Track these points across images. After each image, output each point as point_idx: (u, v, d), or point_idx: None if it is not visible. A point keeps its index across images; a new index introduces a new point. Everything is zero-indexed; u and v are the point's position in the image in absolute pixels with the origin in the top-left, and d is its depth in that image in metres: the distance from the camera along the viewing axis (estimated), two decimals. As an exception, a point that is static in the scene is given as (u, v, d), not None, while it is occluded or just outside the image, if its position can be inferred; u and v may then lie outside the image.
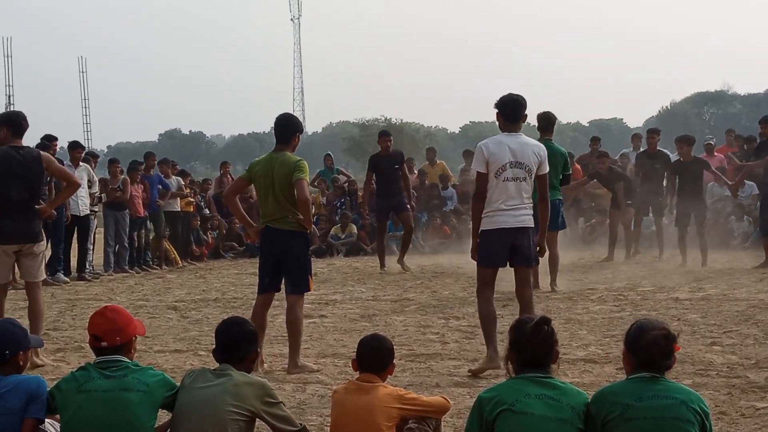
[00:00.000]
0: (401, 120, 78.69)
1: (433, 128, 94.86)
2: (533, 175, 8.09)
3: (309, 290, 8.58)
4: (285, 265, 8.36)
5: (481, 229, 8.15)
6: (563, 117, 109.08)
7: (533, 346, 4.44)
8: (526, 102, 8.24)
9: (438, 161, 22.87)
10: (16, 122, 8.91)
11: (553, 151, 11.83)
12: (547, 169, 8.30)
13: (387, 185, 16.33)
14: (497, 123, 8.29)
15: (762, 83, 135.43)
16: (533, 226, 8.18)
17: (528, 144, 8.14)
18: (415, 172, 22.71)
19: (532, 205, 8.16)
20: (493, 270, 8.20)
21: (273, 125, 8.60)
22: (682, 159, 15.99)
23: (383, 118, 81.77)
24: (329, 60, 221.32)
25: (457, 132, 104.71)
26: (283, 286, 8.48)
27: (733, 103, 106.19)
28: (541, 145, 8.44)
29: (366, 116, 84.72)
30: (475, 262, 8.26)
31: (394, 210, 16.51)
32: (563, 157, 12.49)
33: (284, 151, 8.33)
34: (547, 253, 9.22)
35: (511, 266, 8.25)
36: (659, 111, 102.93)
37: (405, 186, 16.47)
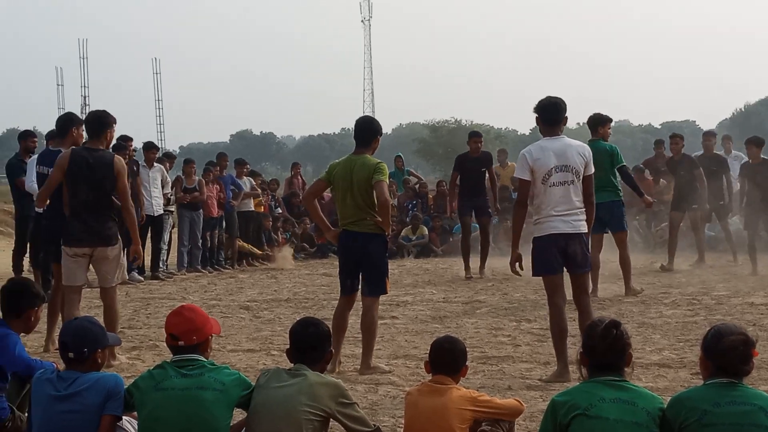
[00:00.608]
0: (471, 121, 78.43)
1: (503, 130, 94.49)
2: (581, 177, 8.00)
3: (386, 293, 8.61)
4: (363, 268, 8.39)
5: (533, 236, 8.10)
6: (635, 119, 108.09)
7: (604, 349, 4.41)
8: (565, 104, 8.16)
9: (509, 163, 22.71)
10: (89, 123, 8.96)
11: (598, 150, 11.49)
12: (593, 170, 8.14)
13: (472, 187, 16.02)
14: (538, 128, 8.24)
15: None
16: (586, 231, 8.09)
17: (572, 146, 8.04)
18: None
19: (583, 209, 8.06)
20: (554, 277, 8.07)
21: (353, 127, 8.62)
22: (751, 161, 15.67)
23: (453, 120, 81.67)
24: (399, 61, 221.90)
25: (527, 134, 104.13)
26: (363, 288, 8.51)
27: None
28: (585, 145, 8.34)
29: (436, 117, 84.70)
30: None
31: (475, 211, 16.17)
32: (610, 153, 12.28)
33: (364, 154, 8.35)
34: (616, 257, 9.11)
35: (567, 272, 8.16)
36: (733, 113, 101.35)
37: (492, 190, 16.37)
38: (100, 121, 8.92)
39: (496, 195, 16.76)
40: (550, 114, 8.11)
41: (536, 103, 8.19)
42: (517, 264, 8.06)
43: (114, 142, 14.82)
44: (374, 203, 8.21)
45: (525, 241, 8.20)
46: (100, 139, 8.80)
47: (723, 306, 11.65)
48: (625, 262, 12.67)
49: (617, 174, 12.50)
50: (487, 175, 16.21)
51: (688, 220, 16.54)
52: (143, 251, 16.78)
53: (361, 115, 9.29)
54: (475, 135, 16.73)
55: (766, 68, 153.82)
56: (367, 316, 8.38)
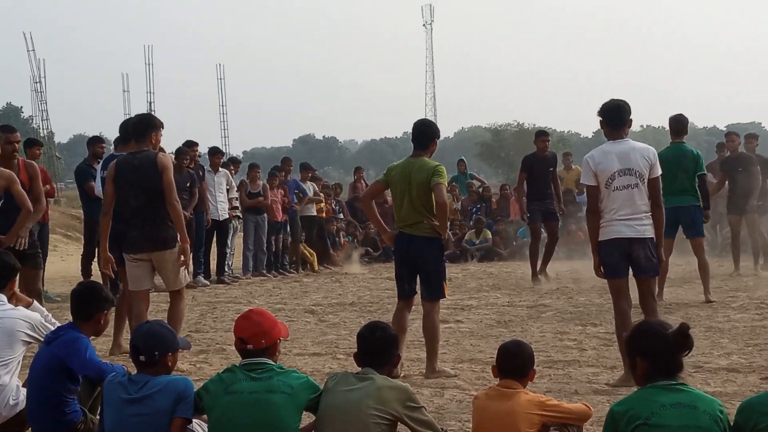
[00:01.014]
0: (533, 125, 77.85)
1: (566, 133, 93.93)
2: (646, 180, 7.92)
3: (444, 297, 8.55)
4: (420, 272, 8.39)
5: (599, 239, 8.04)
6: (699, 121, 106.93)
7: (672, 353, 4.35)
8: (629, 107, 8.09)
9: (573, 166, 22.58)
10: (135, 126, 8.95)
11: (684, 153, 11.74)
12: (659, 172, 7.99)
13: (540, 188, 15.64)
14: (603, 131, 8.17)
15: None
16: (651, 235, 7.99)
17: (635, 149, 7.95)
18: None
19: (649, 213, 7.96)
20: (619, 281, 8.02)
21: (411, 130, 8.63)
22: None
23: (515, 123, 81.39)
24: (461, 64, 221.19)
25: (590, 137, 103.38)
26: (419, 291, 8.51)
27: None
28: (650, 147, 8.18)
29: (498, 121, 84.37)
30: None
31: (543, 216, 15.73)
32: (695, 158, 12.00)
33: (422, 157, 8.37)
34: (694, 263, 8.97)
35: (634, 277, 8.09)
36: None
37: (555, 191, 15.95)
38: (145, 124, 8.90)
39: (560, 197, 16.41)
40: (614, 117, 8.05)
41: (600, 106, 8.17)
42: (601, 268, 8.04)
43: (175, 147, 15.04)
44: (432, 206, 8.20)
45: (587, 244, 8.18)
46: (145, 142, 8.72)
47: (792, 310, 11.49)
48: (704, 268, 12.47)
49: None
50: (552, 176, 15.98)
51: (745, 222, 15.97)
52: (209, 255, 17.10)
53: (420, 118, 9.18)
54: (542, 134, 16.54)
55: None
56: (428, 321, 8.38)
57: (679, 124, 12.30)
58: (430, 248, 8.33)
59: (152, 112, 57.23)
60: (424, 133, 8.53)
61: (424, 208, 8.22)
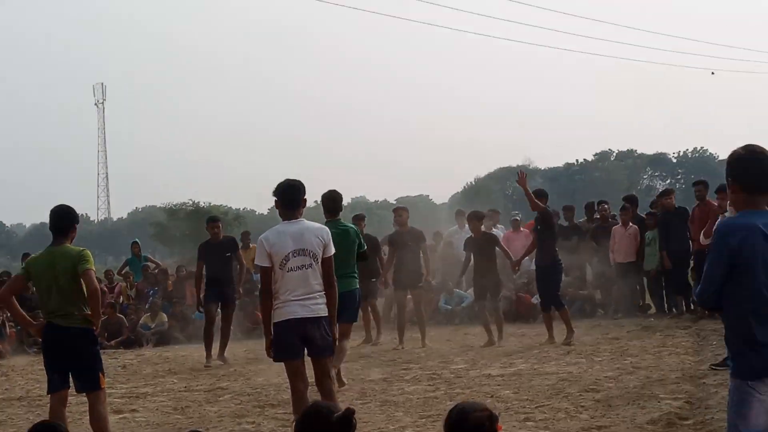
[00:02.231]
0: (209, 203, 77.89)
1: (242, 210, 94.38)
2: (320, 260, 8.08)
3: (101, 388, 8.22)
4: (72, 363, 8.07)
5: (272, 321, 8.10)
6: (371, 195, 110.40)
7: None
8: (304, 187, 8.31)
9: (251, 245, 22.62)
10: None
11: (347, 231, 11.19)
12: (332, 251, 8.24)
13: (217, 274, 15.42)
14: (277, 211, 8.33)
15: (560, 158, 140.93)
16: (326, 314, 8.12)
17: (310, 229, 8.16)
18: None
19: (323, 292, 8.11)
20: (294, 362, 8.10)
21: (49, 218, 8.37)
22: (473, 235, 15.95)
23: (191, 202, 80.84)
24: (133, 143, 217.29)
25: (265, 213, 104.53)
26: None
27: (535, 177, 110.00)
28: (324, 227, 8.44)
29: (173, 200, 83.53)
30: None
31: (218, 298, 15.52)
32: (357, 235, 11.47)
33: (63, 244, 8.16)
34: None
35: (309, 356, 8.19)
36: (464, 187, 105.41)
37: (239, 274, 16.03)
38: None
39: (241, 278, 16.39)
40: (288, 197, 8.19)
41: (276, 186, 8.26)
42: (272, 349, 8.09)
43: None
44: (82, 294, 7.97)
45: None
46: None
47: (462, 379, 11.90)
48: (341, 350, 11.31)
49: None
50: (232, 260, 15.87)
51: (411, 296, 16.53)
52: None
53: (57, 205, 8.70)
54: (212, 220, 16.46)
55: (496, 144, 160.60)
56: (94, 413, 8.10)
57: (332, 201, 11.43)
58: (81, 339, 8.03)
59: None
60: (63, 219, 8.30)
61: (74, 297, 7.98)
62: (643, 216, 19.61)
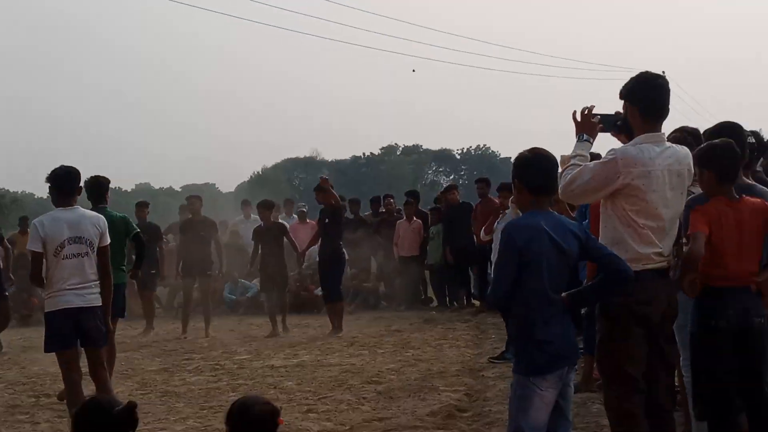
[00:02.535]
0: (-18, 183, 74.91)
1: (20, 193, 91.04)
2: (95, 249, 7.95)
3: None
4: None
5: (45, 311, 7.90)
6: (156, 182, 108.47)
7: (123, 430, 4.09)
8: (79, 174, 8.21)
9: (29, 230, 21.72)
10: None
11: (113, 220, 9.75)
12: (108, 240, 8.16)
13: None
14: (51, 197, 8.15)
15: (347, 151, 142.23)
16: (100, 304, 8.00)
17: (86, 216, 8.04)
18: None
19: (98, 282, 7.99)
20: (68, 352, 7.89)
21: None
22: (263, 223, 15.98)
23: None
24: None
25: (45, 197, 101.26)
26: None
27: (322, 168, 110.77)
28: (101, 216, 8.30)
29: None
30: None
31: None
32: (125, 223, 10.53)
33: None
34: None
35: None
36: (251, 176, 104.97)
37: (5, 261, 14.70)
38: None
39: (9, 266, 15.25)
40: (63, 183, 8.00)
41: (50, 172, 8.06)
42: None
43: None
44: None
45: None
46: None
47: (245, 370, 11.82)
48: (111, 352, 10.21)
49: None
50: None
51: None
52: None
53: None
54: None
55: (283, 135, 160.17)
56: None
57: (97, 186, 10.35)
58: None
59: None
60: None
61: None
62: (426, 211, 20.02)
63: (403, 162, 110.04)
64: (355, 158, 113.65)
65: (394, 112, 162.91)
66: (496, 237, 11.79)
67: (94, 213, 8.19)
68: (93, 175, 10.46)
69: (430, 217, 19.43)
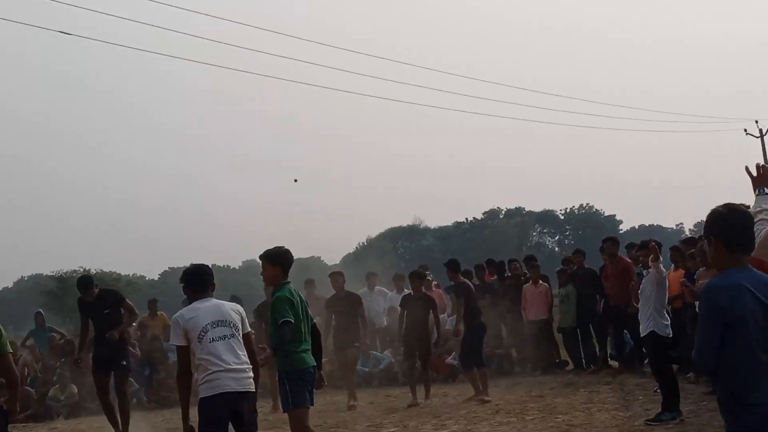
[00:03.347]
0: (100, 269, 76.47)
1: (132, 276, 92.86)
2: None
3: None
4: None
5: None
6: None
7: None
8: (210, 270, 8.34)
9: (159, 312, 22.23)
10: None
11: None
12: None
13: (102, 334, 13.62)
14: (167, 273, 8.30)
15: (450, 217, 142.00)
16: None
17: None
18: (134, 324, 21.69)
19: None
20: None
21: None
22: (414, 293, 16.14)
23: (81, 269, 79.22)
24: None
25: (156, 279, 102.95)
26: None
27: (426, 236, 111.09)
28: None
29: (63, 268, 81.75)
30: None
31: (107, 365, 13.77)
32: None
33: None
34: None
35: None
36: (356, 247, 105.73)
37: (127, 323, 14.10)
38: None
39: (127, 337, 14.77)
40: (197, 280, 8.19)
41: (183, 272, 8.29)
42: None
43: None
44: None
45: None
46: None
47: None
48: None
49: None
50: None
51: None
52: None
53: None
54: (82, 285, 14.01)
55: (385, 206, 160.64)
56: None
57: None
58: None
59: None
60: None
61: None
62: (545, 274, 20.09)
63: (507, 225, 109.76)
64: (458, 224, 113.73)
65: (493, 177, 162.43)
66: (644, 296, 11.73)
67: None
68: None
69: (558, 279, 19.35)
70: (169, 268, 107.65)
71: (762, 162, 5.58)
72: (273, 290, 9.05)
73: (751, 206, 5.54)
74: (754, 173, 5.57)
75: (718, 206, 5.10)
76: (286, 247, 9.09)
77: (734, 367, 4.82)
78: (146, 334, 21.45)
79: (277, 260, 8.94)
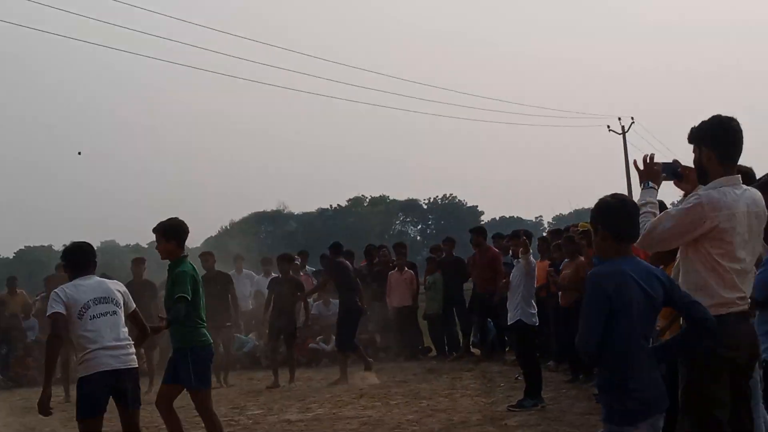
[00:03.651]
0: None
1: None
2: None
3: None
4: None
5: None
6: (121, 239, 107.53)
7: None
8: (93, 248, 8.12)
9: (18, 290, 21.54)
10: None
11: None
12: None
13: None
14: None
15: (314, 203, 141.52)
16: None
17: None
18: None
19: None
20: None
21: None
22: (282, 276, 16.17)
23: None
24: None
25: (11, 258, 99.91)
26: None
27: (290, 221, 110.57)
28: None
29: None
30: None
31: None
32: None
33: None
34: None
35: None
36: (219, 231, 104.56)
37: None
38: None
39: None
40: (78, 259, 7.97)
41: (63, 250, 8.15)
42: None
43: None
44: None
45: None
46: None
47: (261, 425, 11.70)
48: None
49: None
50: None
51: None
52: None
53: None
54: None
55: (249, 189, 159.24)
56: None
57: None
58: None
59: None
60: None
61: None
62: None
63: (371, 213, 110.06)
64: (322, 210, 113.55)
65: (359, 162, 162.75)
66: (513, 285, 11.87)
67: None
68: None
69: (426, 266, 19.51)
70: (24, 246, 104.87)
71: (653, 154, 5.63)
72: (171, 264, 8.76)
73: (636, 200, 5.59)
74: (641, 167, 5.62)
75: (606, 196, 5.15)
76: (180, 219, 8.86)
77: (617, 354, 4.88)
78: (4, 312, 20.69)
79: (171, 233, 8.71)
